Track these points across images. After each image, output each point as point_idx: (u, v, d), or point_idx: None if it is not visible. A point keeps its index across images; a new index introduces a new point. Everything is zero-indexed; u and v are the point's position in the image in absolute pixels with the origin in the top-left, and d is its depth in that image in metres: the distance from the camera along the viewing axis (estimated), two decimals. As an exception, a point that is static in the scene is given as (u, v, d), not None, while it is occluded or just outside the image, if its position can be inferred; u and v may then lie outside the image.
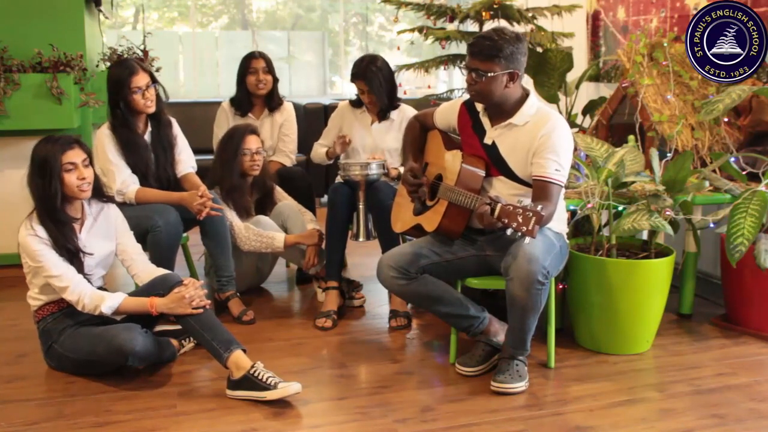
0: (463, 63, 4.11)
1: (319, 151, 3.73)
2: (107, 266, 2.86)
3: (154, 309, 2.63)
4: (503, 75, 2.55)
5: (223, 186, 3.48)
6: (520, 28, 4.41)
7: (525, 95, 2.66)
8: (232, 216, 3.45)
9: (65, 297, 2.61)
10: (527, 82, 4.06)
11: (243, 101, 3.93)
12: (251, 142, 3.50)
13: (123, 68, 3.21)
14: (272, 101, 3.96)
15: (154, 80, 3.23)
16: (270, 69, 3.91)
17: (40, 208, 2.62)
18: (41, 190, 2.59)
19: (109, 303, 2.60)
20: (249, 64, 3.88)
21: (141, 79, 3.16)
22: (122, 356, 2.56)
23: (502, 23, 4.31)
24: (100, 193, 2.79)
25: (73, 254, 2.64)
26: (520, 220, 2.29)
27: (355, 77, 3.52)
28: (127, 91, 3.15)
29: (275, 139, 3.96)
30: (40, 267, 2.60)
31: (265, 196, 3.68)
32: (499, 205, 2.35)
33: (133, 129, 3.24)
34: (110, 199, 2.89)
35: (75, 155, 2.61)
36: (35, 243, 2.59)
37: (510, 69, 2.56)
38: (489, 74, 2.55)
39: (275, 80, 3.94)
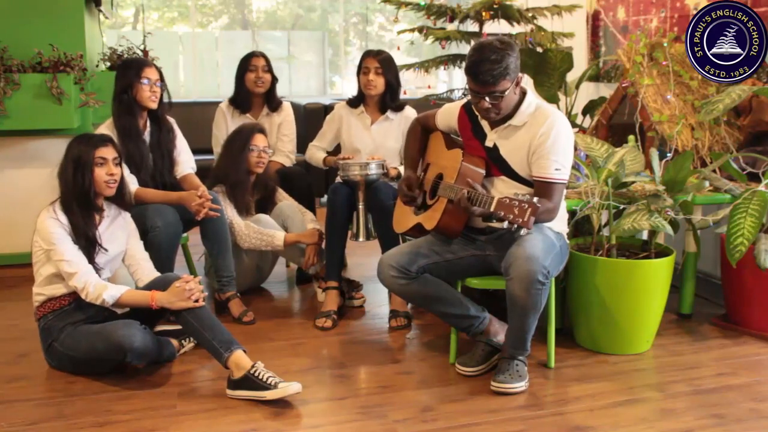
0: (462, 63, 4.11)
1: (317, 155, 3.73)
2: (113, 269, 2.88)
3: (155, 302, 2.64)
4: (513, 85, 2.56)
5: (228, 180, 3.50)
6: (520, 28, 4.41)
7: (522, 95, 2.66)
8: (232, 214, 3.46)
9: (71, 283, 2.64)
10: (526, 82, 4.07)
11: (242, 99, 3.94)
12: (259, 140, 3.54)
13: (137, 59, 3.43)
14: (272, 101, 3.97)
15: (162, 80, 3.30)
16: (269, 68, 3.94)
17: (69, 198, 2.68)
18: (72, 182, 2.67)
19: (111, 292, 2.63)
20: (249, 61, 3.91)
21: (151, 73, 3.25)
22: (121, 352, 2.56)
23: (502, 23, 4.32)
24: (122, 198, 2.85)
25: (90, 243, 2.69)
26: (516, 212, 2.31)
27: (368, 55, 3.54)
28: (136, 79, 3.20)
29: (273, 138, 3.97)
30: (52, 250, 2.63)
31: (265, 197, 3.69)
32: (495, 198, 2.37)
33: (135, 118, 3.26)
34: (129, 209, 2.94)
35: (107, 152, 2.71)
36: (54, 226, 2.64)
37: (515, 77, 2.56)
38: (506, 93, 2.53)
39: (274, 80, 3.96)
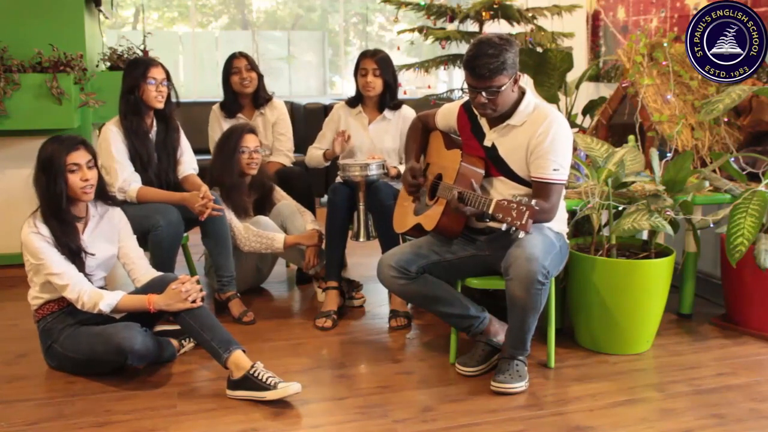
0: (461, 63, 4.11)
1: (316, 154, 3.72)
2: (108, 268, 2.86)
3: (152, 306, 2.63)
4: (510, 82, 2.56)
5: (223, 185, 3.49)
6: (520, 28, 4.41)
7: (521, 94, 2.66)
8: (231, 217, 3.45)
9: (65, 295, 2.62)
10: (526, 81, 4.07)
11: (230, 103, 3.94)
12: (249, 141, 3.51)
13: (143, 59, 3.37)
14: (258, 98, 3.96)
15: (169, 79, 3.29)
16: (253, 66, 3.93)
17: (45, 207, 2.63)
18: (46, 190, 2.60)
19: (108, 301, 2.60)
20: (231, 64, 3.91)
21: (158, 72, 3.23)
22: (122, 355, 2.56)
23: (502, 23, 4.32)
24: (104, 195, 2.80)
25: (74, 253, 2.65)
26: (514, 215, 2.31)
27: (364, 56, 3.52)
28: (142, 79, 3.19)
29: (270, 139, 3.96)
30: (41, 264, 2.61)
31: (263, 196, 3.68)
32: (494, 201, 2.37)
33: (142, 118, 3.26)
34: (115, 202, 2.90)
35: (79, 156, 2.62)
36: (37, 240, 2.60)
37: (513, 74, 2.56)
38: (502, 88, 2.52)
39: (260, 77, 3.95)
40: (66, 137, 2.67)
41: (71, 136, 2.69)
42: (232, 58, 3.92)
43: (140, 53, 4.17)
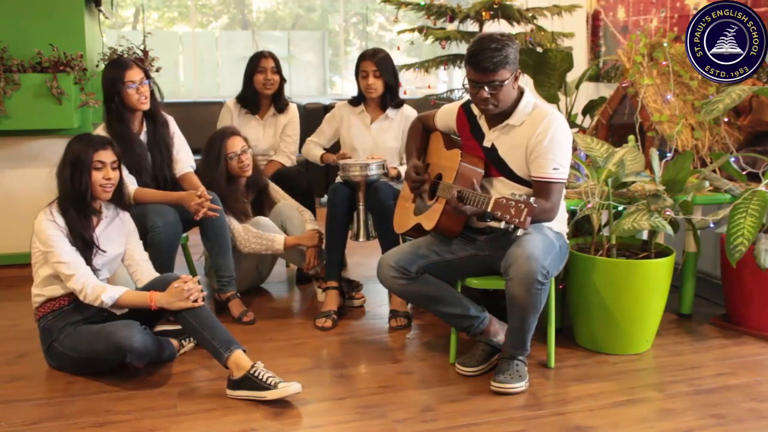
0: (462, 63, 4.11)
1: (314, 151, 3.72)
2: (113, 269, 2.88)
3: (154, 303, 2.64)
4: (512, 78, 2.56)
5: (215, 192, 3.44)
6: (520, 28, 4.41)
7: (520, 94, 2.66)
8: (230, 219, 3.44)
9: (69, 285, 2.63)
10: (525, 81, 4.07)
11: (250, 99, 3.92)
12: (234, 145, 3.47)
13: (117, 63, 3.30)
14: (279, 102, 3.96)
15: (148, 77, 3.26)
16: (278, 69, 3.92)
17: (66, 200, 2.68)
18: (70, 184, 2.66)
19: (110, 293, 2.63)
20: (258, 62, 3.87)
21: (135, 74, 3.20)
22: (121, 353, 2.56)
23: (502, 23, 4.32)
24: (121, 199, 2.84)
25: (86, 244, 2.69)
26: (513, 212, 2.32)
27: (364, 57, 3.51)
28: (121, 85, 3.17)
29: (277, 139, 3.96)
30: (50, 252, 2.63)
31: (260, 194, 3.67)
32: (492, 198, 2.38)
33: (127, 125, 3.25)
34: (128, 208, 2.93)
35: (106, 155, 2.70)
36: (51, 228, 2.64)
37: (514, 70, 2.57)
38: (505, 83, 2.53)
39: (282, 81, 3.95)
40: (95, 136, 2.79)
41: (100, 136, 2.82)
42: (260, 56, 3.88)
43: (140, 53, 4.17)
